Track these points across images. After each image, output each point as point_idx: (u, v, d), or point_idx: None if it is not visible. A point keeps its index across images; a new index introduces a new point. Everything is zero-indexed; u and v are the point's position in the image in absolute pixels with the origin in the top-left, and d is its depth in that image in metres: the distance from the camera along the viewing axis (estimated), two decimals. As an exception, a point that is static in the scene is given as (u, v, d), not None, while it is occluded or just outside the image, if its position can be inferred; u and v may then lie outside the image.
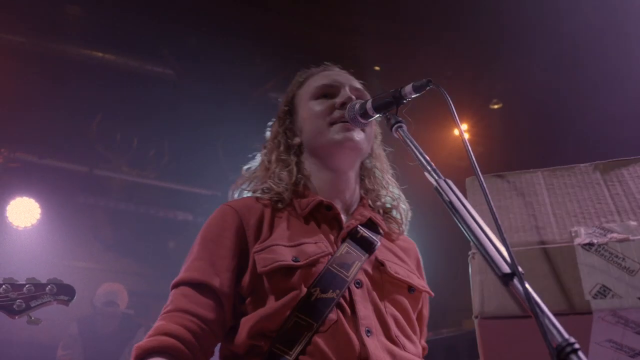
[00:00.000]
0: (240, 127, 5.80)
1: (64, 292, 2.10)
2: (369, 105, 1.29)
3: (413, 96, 1.15)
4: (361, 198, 1.53)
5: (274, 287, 1.25)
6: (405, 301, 1.37)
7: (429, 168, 0.91)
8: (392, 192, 1.55)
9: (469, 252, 1.17)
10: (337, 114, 1.44)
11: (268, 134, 1.61)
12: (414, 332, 1.37)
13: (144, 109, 5.37)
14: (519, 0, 4.78)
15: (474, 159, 0.91)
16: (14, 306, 1.90)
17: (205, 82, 5.33)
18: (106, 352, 4.23)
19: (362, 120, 1.35)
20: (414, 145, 1.01)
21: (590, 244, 1.07)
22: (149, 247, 5.73)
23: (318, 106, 1.48)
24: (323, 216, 1.41)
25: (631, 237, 1.05)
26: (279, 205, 1.40)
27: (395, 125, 1.12)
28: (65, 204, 4.90)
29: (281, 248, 1.29)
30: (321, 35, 4.94)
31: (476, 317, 1.07)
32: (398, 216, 1.54)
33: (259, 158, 1.58)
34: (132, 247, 5.70)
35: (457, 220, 0.78)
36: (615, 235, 1.06)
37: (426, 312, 1.52)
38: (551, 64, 5.41)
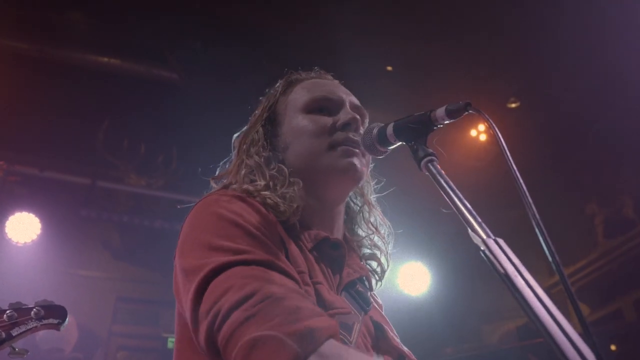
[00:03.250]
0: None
1: (53, 314, 1.80)
2: (389, 130, 1.07)
3: (446, 122, 0.94)
4: (346, 239, 1.32)
5: None
6: None
7: (474, 222, 0.70)
8: (376, 239, 1.35)
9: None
10: (339, 135, 1.22)
11: (236, 137, 1.38)
12: None
13: (151, 114, 5.29)
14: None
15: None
16: None
17: (211, 86, 5.22)
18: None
19: (381, 149, 1.13)
20: (450, 187, 0.80)
21: None
22: (156, 255, 5.61)
23: (313, 123, 1.25)
24: (327, 255, 1.19)
25: None
26: (285, 226, 1.16)
27: (425, 159, 0.90)
28: (66, 217, 4.76)
29: (307, 277, 1.07)
30: (330, 36, 4.78)
31: None
32: (378, 269, 1.34)
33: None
34: (138, 256, 5.59)
35: (515, 298, 0.59)
36: None
37: None
38: (569, 60, 5.23)
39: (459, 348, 3.82)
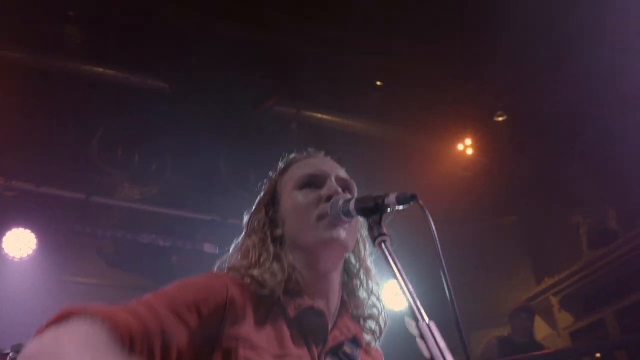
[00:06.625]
0: (242, 143, 5.78)
1: None
2: (352, 206, 1.23)
3: (396, 208, 1.08)
4: (342, 302, 1.42)
5: None
6: None
7: (413, 303, 0.83)
8: (374, 300, 1.46)
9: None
10: (324, 207, 1.34)
11: (246, 219, 1.50)
12: None
13: (146, 124, 5.34)
14: (523, 11, 4.70)
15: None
16: None
17: (205, 98, 5.29)
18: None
19: (345, 219, 1.28)
20: (397, 267, 0.93)
21: None
22: (151, 262, 5.71)
23: (304, 198, 1.39)
24: (310, 322, 1.30)
25: None
26: (267, 300, 1.27)
27: (378, 239, 1.05)
28: (61, 232, 4.84)
29: (266, 355, 1.17)
30: (321, 52, 4.87)
31: None
32: (377, 329, 1.45)
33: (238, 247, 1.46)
34: (133, 264, 5.68)
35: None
36: None
37: None
38: (556, 75, 5.33)
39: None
